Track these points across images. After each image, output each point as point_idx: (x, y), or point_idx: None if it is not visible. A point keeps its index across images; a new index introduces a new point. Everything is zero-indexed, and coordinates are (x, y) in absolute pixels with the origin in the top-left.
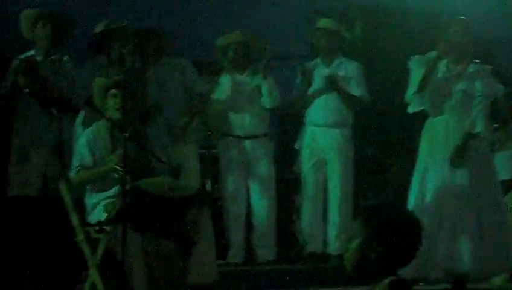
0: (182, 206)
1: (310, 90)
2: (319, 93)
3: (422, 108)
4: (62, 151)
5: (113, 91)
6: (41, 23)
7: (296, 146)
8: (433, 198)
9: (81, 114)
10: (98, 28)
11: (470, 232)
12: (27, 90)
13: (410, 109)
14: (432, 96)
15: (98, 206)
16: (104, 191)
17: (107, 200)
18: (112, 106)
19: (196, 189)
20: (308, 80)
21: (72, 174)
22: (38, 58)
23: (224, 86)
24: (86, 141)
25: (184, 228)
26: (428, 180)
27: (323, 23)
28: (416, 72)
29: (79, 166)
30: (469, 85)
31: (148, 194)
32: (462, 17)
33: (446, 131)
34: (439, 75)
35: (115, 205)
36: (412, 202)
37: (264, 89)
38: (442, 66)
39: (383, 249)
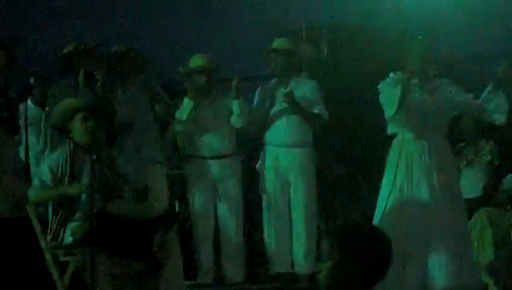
0: (150, 228)
1: (271, 111)
2: (278, 113)
3: (401, 129)
4: (29, 173)
5: (83, 114)
6: (3, 52)
7: (257, 167)
8: (412, 219)
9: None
10: (67, 49)
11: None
12: (6, 114)
13: (390, 130)
14: (408, 117)
15: (66, 229)
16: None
17: (74, 223)
18: (82, 128)
19: (163, 210)
20: (268, 99)
21: (32, 192)
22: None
23: (188, 108)
24: (48, 167)
25: (152, 250)
26: (405, 200)
27: (277, 43)
28: (390, 91)
29: (39, 189)
30: (442, 101)
31: (115, 217)
32: (420, 37)
33: (422, 152)
34: (413, 95)
35: (82, 228)
36: (382, 221)
37: (236, 108)
38: (413, 85)
39: (355, 269)
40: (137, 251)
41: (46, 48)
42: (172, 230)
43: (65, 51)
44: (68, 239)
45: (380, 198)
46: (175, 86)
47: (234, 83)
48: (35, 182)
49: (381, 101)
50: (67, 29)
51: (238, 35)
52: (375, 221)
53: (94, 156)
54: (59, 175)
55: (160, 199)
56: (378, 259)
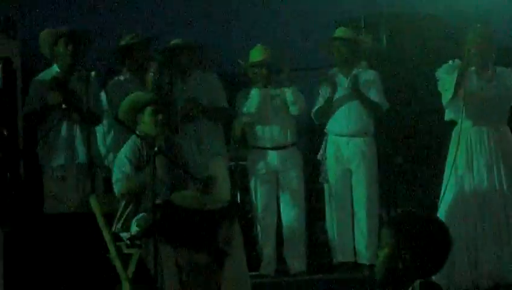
0: (214, 219)
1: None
2: (339, 102)
3: (457, 116)
4: (93, 166)
5: (153, 107)
6: (63, 41)
7: (319, 157)
8: (475, 208)
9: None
10: (123, 41)
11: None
12: (64, 106)
13: (447, 116)
14: (466, 105)
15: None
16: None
17: (140, 215)
18: (151, 121)
19: (227, 201)
20: (332, 87)
21: (116, 187)
22: (63, 75)
23: (252, 99)
24: (125, 157)
25: (216, 241)
26: (467, 189)
27: (339, 32)
28: (447, 79)
29: (121, 179)
30: (500, 90)
31: (179, 208)
32: (478, 25)
33: (482, 140)
34: (471, 83)
35: (147, 220)
36: (446, 212)
37: (289, 96)
38: (471, 73)
39: (410, 258)
40: (202, 243)
41: (107, 40)
42: (235, 221)
43: (121, 43)
44: (133, 230)
45: (442, 188)
46: (234, 77)
47: (286, 71)
48: (117, 173)
49: (438, 88)
50: (125, 21)
51: (295, 24)
52: (439, 211)
53: (156, 149)
54: (135, 165)
55: (223, 190)
56: (436, 250)
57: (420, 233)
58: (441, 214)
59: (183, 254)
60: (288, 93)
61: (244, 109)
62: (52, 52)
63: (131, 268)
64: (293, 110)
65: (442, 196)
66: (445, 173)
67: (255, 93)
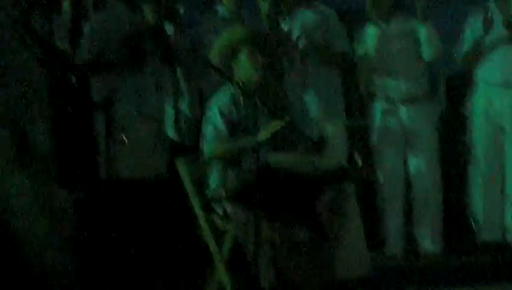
0: (317, 185)
1: (486, 41)
2: (494, 43)
3: None
4: (181, 124)
5: (250, 47)
6: None
7: (464, 111)
8: None
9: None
10: None
11: None
12: None
13: None
14: None
15: None
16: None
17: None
18: (248, 65)
19: (336, 164)
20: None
21: (206, 147)
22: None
23: (371, 39)
24: (218, 109)
25: (319, 212)
26: None
27: None
28: None
29: (214, 138)
30: None
31: (281, 172)
32: None
33: None
34: None
35: (237, 182)
36: None
37: (423, 36)
38: None
39: None
40: (300, 215)
41: None
42: (349, 188)
43: None
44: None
45: None
46: (352, 13)
47: (420, 2)
48: (210, 130)
49: None
50: None
51: None
52: None
53: (257, 101)
54: (231, 120)
55: (336, 152)
56: None
57: None
58: None
59: (280, 230)
60: (422, 32)
61: (361, 53)
62: None
63: (227, 248)
64: (428, 53)
65: None
66: None
67: (372, 32)
